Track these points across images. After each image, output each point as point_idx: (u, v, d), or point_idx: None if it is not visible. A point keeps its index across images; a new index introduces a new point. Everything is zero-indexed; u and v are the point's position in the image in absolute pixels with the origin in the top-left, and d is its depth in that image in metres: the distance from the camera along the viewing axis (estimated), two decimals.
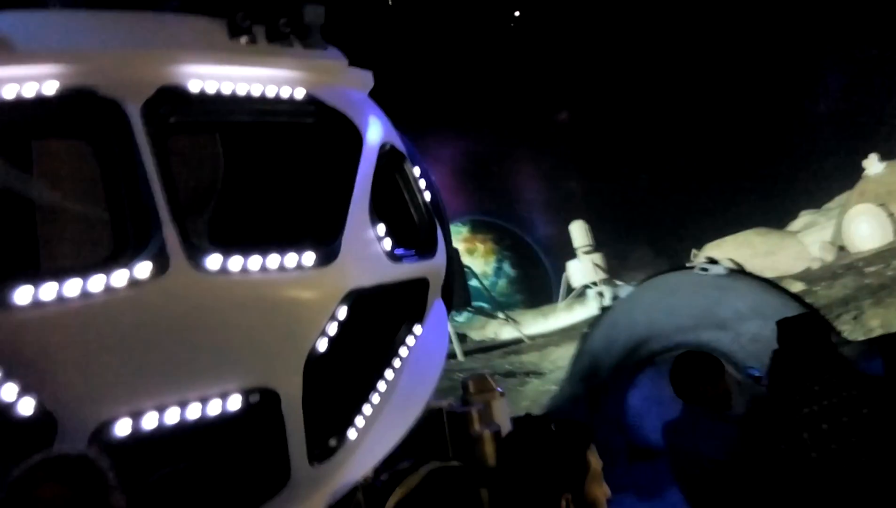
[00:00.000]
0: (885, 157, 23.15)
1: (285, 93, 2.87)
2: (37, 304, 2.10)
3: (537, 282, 44.86)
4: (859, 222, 21.45)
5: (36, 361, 2.09)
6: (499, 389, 3.58)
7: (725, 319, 7.94)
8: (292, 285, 2.48)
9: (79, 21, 2.57)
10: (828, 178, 25.75)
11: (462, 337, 28.01)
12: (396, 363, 3.00)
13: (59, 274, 2.20)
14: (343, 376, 2.87)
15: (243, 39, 2.75)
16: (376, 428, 2.86)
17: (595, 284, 35.13)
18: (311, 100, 2.92)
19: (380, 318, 2.98)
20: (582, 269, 36.65)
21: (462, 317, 33.29)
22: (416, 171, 3.27)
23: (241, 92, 2.77)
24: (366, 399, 2.87)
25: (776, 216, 25.97)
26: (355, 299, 2.70)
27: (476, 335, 32.70)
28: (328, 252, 2.63)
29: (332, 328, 2.64)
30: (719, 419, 3.10)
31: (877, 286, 14.54)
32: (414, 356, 3.11)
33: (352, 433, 2.76)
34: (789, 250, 23.35)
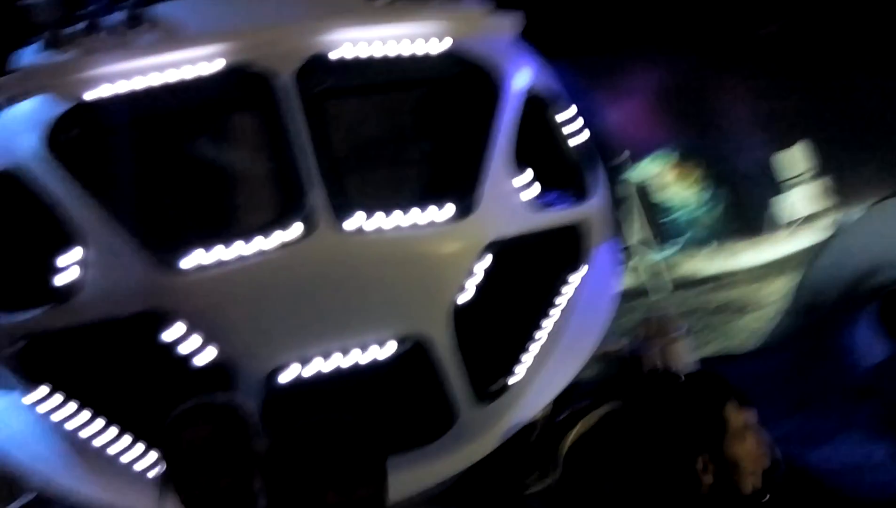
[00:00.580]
0: None
1: (428, 48, 2.95)
2: (205, 266, 2.41)
3: (752, 211, 41.33)
4: None
5: (215, 315, 2.41)
6: (679, 330, 3.50)
7: None
8: (430, 240, 2.62)
9: (230, 3, 2.84)
10: None
11: (667, 271, 26.99)
12: (558, 306, 3.05)
13: (228, 236, 2.50)
14: (501, 321, 2.99)
15: (380, 1, 2.86)
16: (545, 369, 3.00)
17: (816, 214, 31.70)
18: (453, 51, 2.97)
19: (535, 264, 3.03)
20: (802, 198, 33.18)
21: (669, 249, 31.93)
22: (566, 115, 3.19)
23: (385, 52, 2.89)
24: (529, 343, 2.99)
25: None
26: (501, 247, 2.77)
27: (685, 267, 31.21)
28: (466, 205, 2.71)
29: (476, 278, 2.74)
30: None
31: None
32: (578, 299, 3.15)
33: (518, 375, 2.90)
34: None
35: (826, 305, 8.80)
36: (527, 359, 2.84)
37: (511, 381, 2.80)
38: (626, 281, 29.03)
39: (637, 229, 26.28)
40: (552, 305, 2.98)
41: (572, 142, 3.19)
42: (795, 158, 31.13)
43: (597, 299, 3.24)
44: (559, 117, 3.17)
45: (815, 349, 8.54)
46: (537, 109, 3.09)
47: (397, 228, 2.52)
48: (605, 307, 3.31)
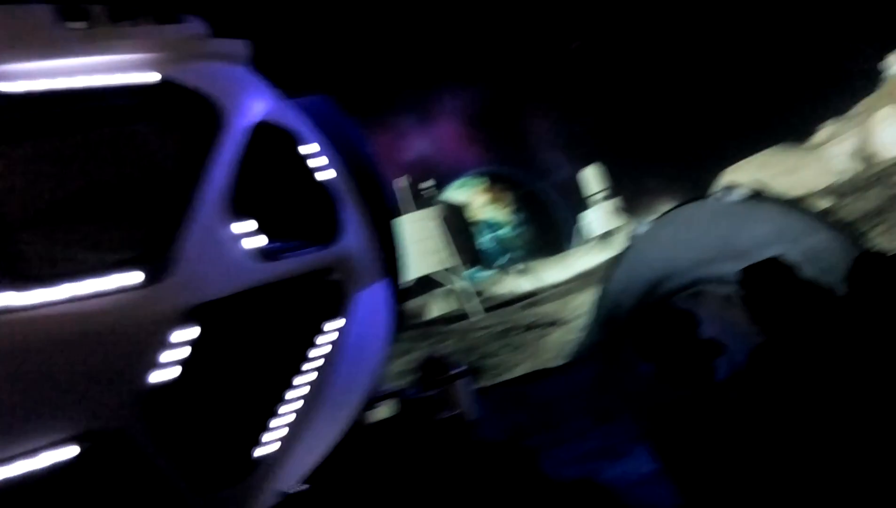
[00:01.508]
0: None
1: (131, 79, 2.34)
2: None
3: (556, 230, 44.24)
4: (885, 127, 20.55)
5: None
6: (457, 368, 3.09)
7: (746, 247, 7.48)
8: (108, 313, 2.01)
9: None
10: (849, 83, 24.68)
11: (479, 294, 27.73)
12: (314, 361, 2.52)
13: None
14: (231, 390, 2.42)
15: (79, 24, 2.22)
16: (307, 429, 2.45)
17: (615, 230, 34.64)
18: (164, 82, 2.39)
19: (276, 319, 2.51)
20: (600, 216, 36.13)
21: (478, 274, 32.94)
22: (310, 150, 2.72)
23: (74, 86, 2.25)
24: (277, 407, 2.42)
25: (797, 132, 25.03)
26: (215, 311, 2.21)
27: (493, 290, 32.39)
28: (160, 265, 2.13)
29: (178, 351, 2.17)
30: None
31: None
32: (342, 350, 2.61)
33: (270, 445, 2.34)
34: (813, 166, 22.55)
35: (622, 316, 9.06)
36: (279, 425, 2.37)
37: (262, 453, 2.30)
38: (441, 307, 29.16)
39: (448, 255, 26.89)
40: (305, 360, 2.51)
41: (319, 179, 2.71)
42: (592, 178, 33.77)
43: (364, 346, 2.80)
44: (303, 152, 2.70)
45: (613, 362, 8.68)
46: (274, 145, 2.61)
47: (70, 300, 1.91)
48: (374, 354, 2.88)
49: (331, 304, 2.58)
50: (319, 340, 2.52)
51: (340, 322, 2.59)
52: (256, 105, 2.53)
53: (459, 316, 24.84)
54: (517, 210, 46.21)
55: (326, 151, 2.82)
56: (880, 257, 2.55)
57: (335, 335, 2.56)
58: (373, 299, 2.79)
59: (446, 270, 25.89)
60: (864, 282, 2.44)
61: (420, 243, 25.57)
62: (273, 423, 2.38)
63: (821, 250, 7.31)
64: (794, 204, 8.61)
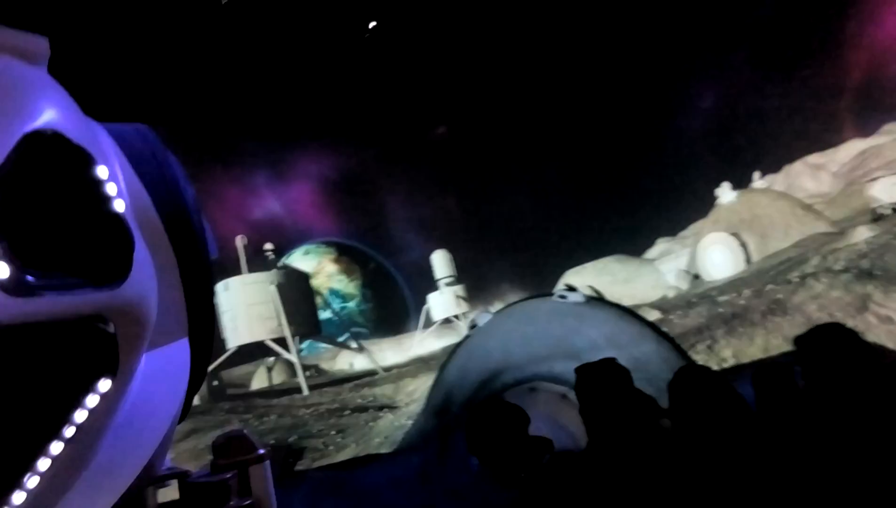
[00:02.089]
0: (737, 186, 24.56)
1: None
2: None
3: (398, 311, 44.26)
4: (712, 251, 22.49)
5: None
6: (260, 450, 2.44)
7: (580, 348, 7.61)
8: None
9: None
10: (685, 206, 27.19)
11: (310, 368, 26.57)
12: (74, 424, 1.82)
13: None
14: None
15: None
16: (63, 503, 1.72)
17: (457, 317, 35.11)
18: None
19: (23, 372, 1.81)
20: (443, 301, 36.57)
21: (312, 347, 31.75)
22: (101, 172, 2.10)
23: None
24: (23, 476, 1.69)
25: (636, 243, 26.95)
26: None
27: (326, 366, 31.29)
28: None
29: None
30: None
31: (729, 315, 15.00)
32: (108, 417, 1.92)
33: None
34: (647, 278, 24.12)
35: (454, 407, 8.84)
36: (20, 498, 1.69)
37: None
38: (267, 379, 27.52)
39: (282, 323, 25.67)
40: (64, 422, 1.86)
41: (107, 210, 2.11)
42: (440, 262, 34.24)
43: (144, 414, 2.14)
44: (92, 176, 2.10)
45: (441, 454, 8.41)
46: (57, 161, 2.02)
47: None
48: (157, 425, 2.22)
49: (101, 360, 1.92)
50: (88, 399, 1.85)
51: (108, 383, 1.93)
52: (45, 112, 1.94)
53: (286, 390, 23.53)
54: (363, 285, 45.75)
55: (127, 182, 2.23)
56: (700, 371, 2.58)
57: (103, 398, 1.91)
58: (165, 362, 2.15)
59: (277, 339, 24.59)
60: (685, 395, 2.45)
61: (253, 306, 24.26)
62: (16, 497, 1.68)
63: (646, 360, 7.50)
64: (627, 312, 8.89)
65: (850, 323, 12.46)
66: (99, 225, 2.20)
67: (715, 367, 11.98)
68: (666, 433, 2.34)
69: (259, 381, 28.10)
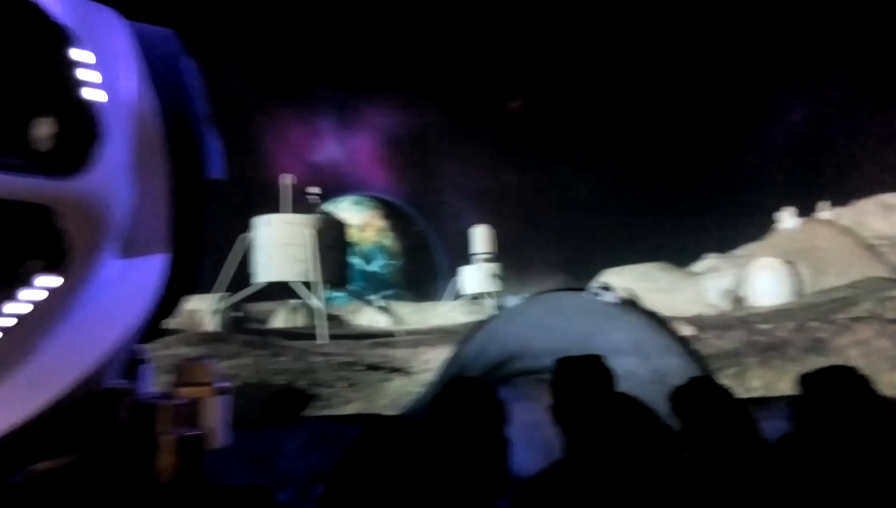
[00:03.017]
0: (803, 213, 23.95)
1: None
2: None
3: (431, 278, 44.38)
4: (762, 276, 22.04)
5: None
6: (220, 383, 2.51)
7: (601, 349, 7.35)
8: None
9: None
10: (743, 224, 26.61)
11: (333, 319, 26.97)
12: (10, 317, 1.90)
13: None
14: None
15: None
16: None
17: (487, 295, 35.15)
18: None
19: None
20: (476, 277, 36.60)
21: (339, 297, 32.10)
22: (82, 56, 2.10)
23: None
24: None
25: (684, 254, 26.54)
26: None
27: (350, 318, 31.67)
28: None
29: None
30: None
31: (765, 345, 14.75)
32: (53, 315, 1.98)
33: None
34: (688, 292, 23.80)
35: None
36: None
37: None
38: (288, 320, 28.06)
39: (313, 268, 26.02)
40: None
41: (73, 95, 2.10)
42: (480, 237, 34.22)
43: (95, 321, 2.17)
44: (71, 57, 2.10)
45: None
46: (26, 31, 2.01)
47: None
48: (107, 335, 2.25)
49: (47, 254, 1.96)
50: (24, 293, 1.90)
51: (55, 281, 1.97)
52: None
53: (304, 334, 23.96)
54: (401, 246, 45.98)
55: (133, 81, 2.26)
56: (714, 386, 2.45)
57: (51, 294, 1.95)
58: (134, 274, 2.18)
59: (306, 283, 25.00)
60: (689, 405, 2.36)
61: (287, 246, 24.70)
62: None
63: (668, 374, 7.42)
64: (660, 322, 8.79)
65: (888, 377, 12.18)
66: (63, 110, 2.21)
67: (742, 394, 11.79)
68: (651, 445, 2.14)
69: (279, 321, 28.65)
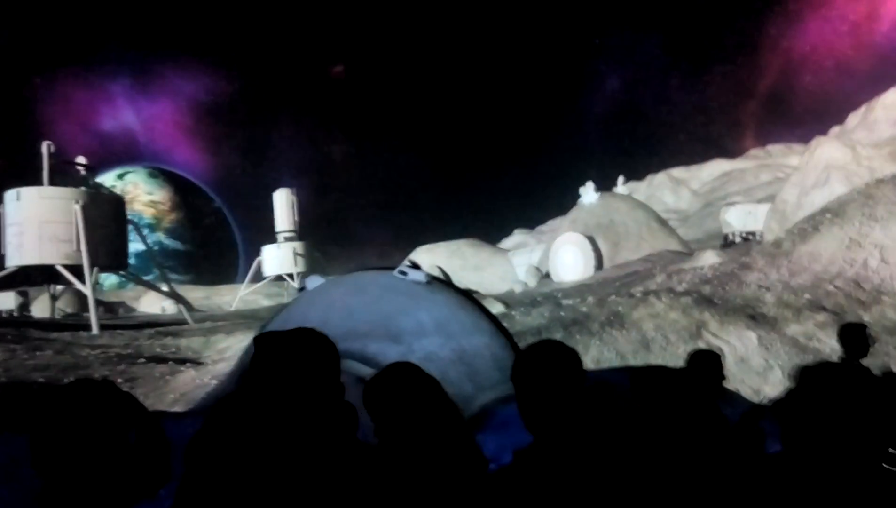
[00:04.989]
0: (601, 187, 25.50)
1: None
2: None
3: (225, 257, 42.44)
4: (565, 251, 23.24)
5: None
6: None
7: (404, 330, 7.53)
8: None
9: None
10: (545, 197, 27.88)
11: (109, 306, 24.73)
12: None
13: None
14: None
15: None
16: None
17: (291, 276, 34.09)
18: None
19: None
20: (279, 256, 35.37)
21: (111, 281, 29.52)
22: None
23: None
24: None
25: (491, 230, 27.40)
26: None
27: (129, 304, 29.29)
28: None
29: None
30: None
31: (569, 320, 15.48)
32: None
33: None
34: (497, 268, 24.62)
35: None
36: None
37: None
38: (47, 309, 25.43)
39: (81, 249, 23.56)
40: None
41: None
42: (283, 205, 33.03)
43: None
44: None
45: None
46: None
47: None
48: None
49: None
50: None
51: None
52: None
53: (71, 325, 21.71)
54: (193, 224, 43.39)
55: None
56: (557, 346, 2.21)
57: None
58: None
59: (71, 266, 22.60)
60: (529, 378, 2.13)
61: (48, 224, 22.12)
62: None
63: (474, 353, 7.45)
64: (469, 301, 8.87)
65: (681, 348, 13.24)
66: None
67: None
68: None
69: (40, 310, 25.80)
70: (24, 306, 24.68)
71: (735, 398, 9.54)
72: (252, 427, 1.83)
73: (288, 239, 33.27)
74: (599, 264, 23.54)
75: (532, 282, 23.66)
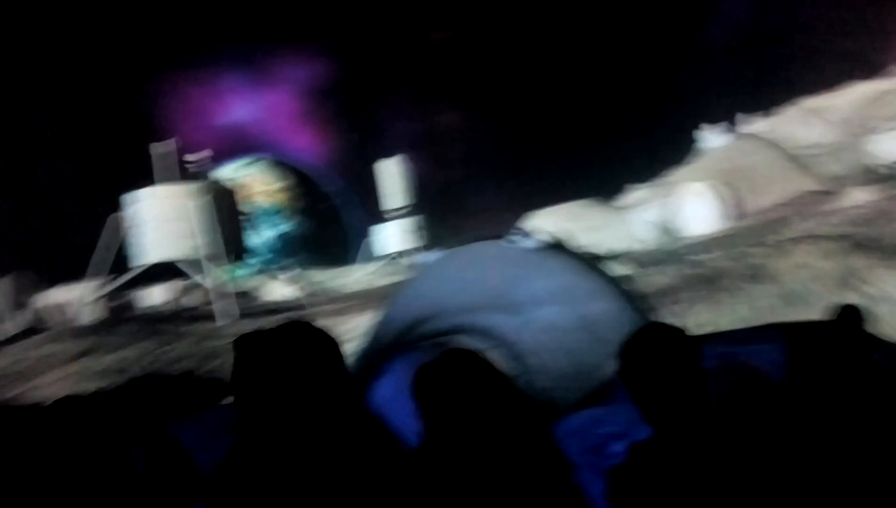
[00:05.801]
0: (725, 128, 23.94)
1: None
2: None
3: (340, 239, 43.48)
4: (691, 203, 22.19)
5: None
6: None
7: (519, 301, 7.40)
8: None
9: None
10: (663, 147, 26.58)
11: (233, 296, 25.80)
12: None
13: None
14: None
15: None
16: None
17: (405, 253, 34.41)
18: None
19: None
20: (393, 234, 35.79)
21: (240, 272, 30.73)
22: None
23: None
24: None
25: (606, 188, 26.51)
26: None
27: (257, 293, 30.48)
28: None
29: None
30: None
31: (699, 278, 14.82)
32: None
33: None
34: (616, 228, 23.84)
35: (376, 352, 8.43)
36: None
37: None
38: (172, 304, 26.79)
39: (206, 243, 24.66)
40: None
41: None
42: (393, 178, 33.32)
43: None
44: None
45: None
46: None
47: None
48: None
49: None
50: None
51: None
52: None
53: (200, 317, 22.86)
54: (307, 210, 44.65)
55: None
56: (665, 329, 2.08)
57: None
58: None
59: (194, 261, 23.73)
60: (638, 360, 2.02)
61: (171, 222, 23.36)
62: None
63: (597, 320, 7.11)
64: (589, 265, 8.58)
65: (829, 300, 12.31)
66: None
67: None
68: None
69: (170, 304, 27.38)
70: (174, 300, 26.35)
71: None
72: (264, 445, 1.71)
73: (400, 215, 33.57)
74: (729, 213, 22.42)
75: (655, 240, 22.86)
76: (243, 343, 1.88)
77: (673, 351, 1.97)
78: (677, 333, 2.02)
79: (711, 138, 24.54)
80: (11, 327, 22.98)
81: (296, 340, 1.87)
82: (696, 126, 25.47)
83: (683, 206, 22.54)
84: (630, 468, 1.90)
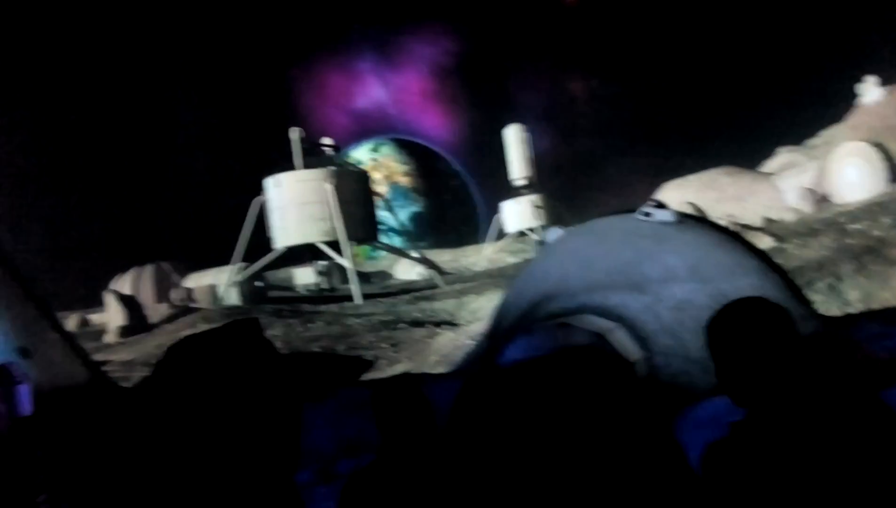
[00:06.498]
0: (886, 81, 21.91)
1: None
2: None
3: (468, 218, 44.00)
4: (847, 165, 20.74)
5: None
6: (21, 379, 3.32)
7: (649, 278, 6.98)
8: None
9: None
10: (814, 104, 24.76)
11: (365, 277, 26.62)
12: None
13: None
14: None
15: None
16: None
17: (533, 230, 34.14)
18: None
19: None
20: (518, 211, 35.60)
21: (372, 253, 31.66)
22: None
23: None
24: None
25: (750, 153, 25.17)
26: None
27: (384, 274, 31.29)
28: None
29: None
30: None
31: (861, 249, 13.93)
32: None
33: None
34: (762, 196, 22.71)
35: (502, 330, 8.46)
36: None
37: None
38: (312, 283, 27.77)
39: (338, 226, 25.52)
40: None
41: None
42: (517, 148, 33.12)
43: None
44: None
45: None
46: None
47: None
48: None
49: None
50: None
51: None
52: None
53: (337, 297, 23.70)
54: (440, 189, 45.35)
55: None
56: (756, 304, 1.94)
57: None
58: None
59: (330, 242, 24.67)
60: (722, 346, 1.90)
61: (305, 206, 24.47)
62: None
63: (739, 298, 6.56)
64: (728, 237, 8.16)
65: None
66: None
67: (837, 312, 10.99)
68: None
69: (300, 285, 28.65)
70: (313, 282, 27.59)
71: None
72: None
73: (526, 187, 33.36)
74: (893, 176, 20.72)
75: (807, 207, 21.57)
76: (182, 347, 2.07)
77: (758, 329, 1.83)
78: (770, 308, 1.87)
79: (872, 92, 22.64)
80: (165, 307, 24.79)
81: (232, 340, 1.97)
82: (855, 77, 23.50)
83: (838, 169, 21.11)
84: (725, 445, 1.81)
